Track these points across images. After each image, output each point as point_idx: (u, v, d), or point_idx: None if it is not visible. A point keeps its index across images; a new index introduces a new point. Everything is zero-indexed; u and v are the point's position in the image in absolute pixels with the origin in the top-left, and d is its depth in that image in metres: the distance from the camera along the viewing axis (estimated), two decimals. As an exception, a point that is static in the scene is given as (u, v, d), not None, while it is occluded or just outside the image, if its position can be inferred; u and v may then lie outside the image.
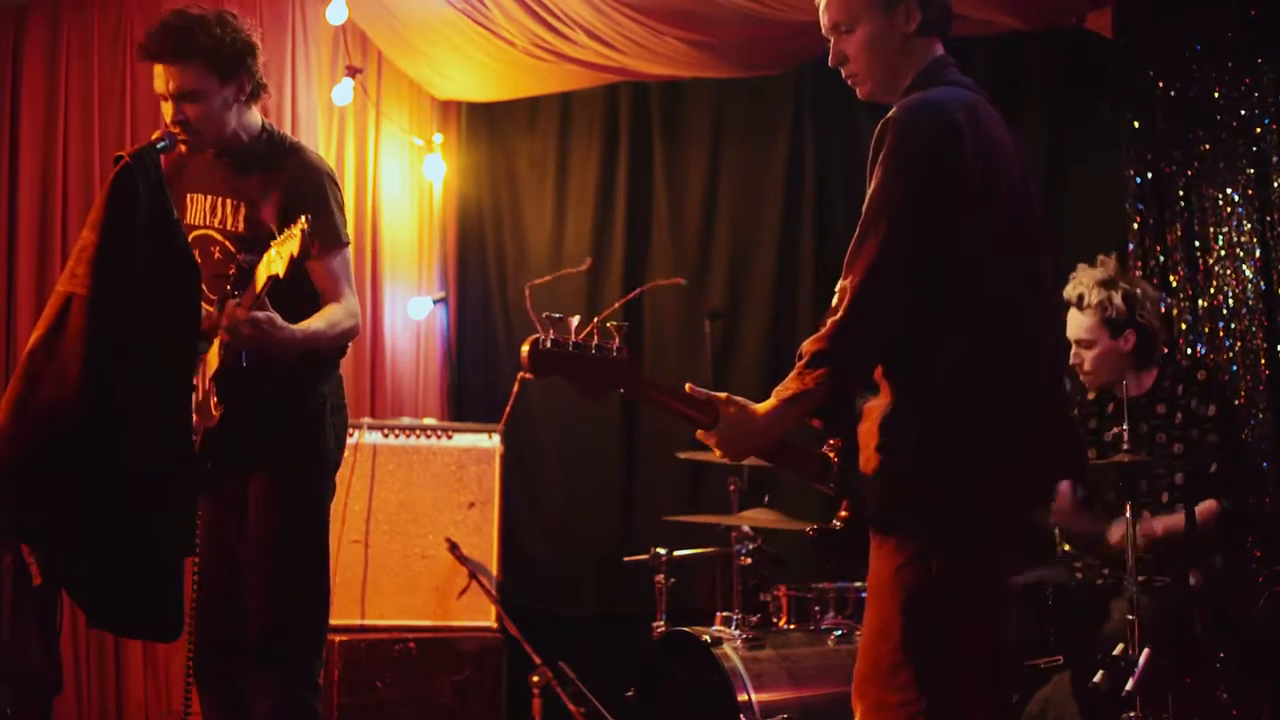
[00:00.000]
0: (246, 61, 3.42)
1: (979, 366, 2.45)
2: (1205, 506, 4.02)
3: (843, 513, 2.56)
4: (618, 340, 2.40)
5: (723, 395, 2.50)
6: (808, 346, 2.45)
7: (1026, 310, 2.53)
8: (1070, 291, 4.22)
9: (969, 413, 2.44)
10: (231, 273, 3.39)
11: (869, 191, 2.48)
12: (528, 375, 2.40)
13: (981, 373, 2.45)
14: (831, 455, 2.58)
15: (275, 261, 3.09)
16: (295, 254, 3.04)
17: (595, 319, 2.40)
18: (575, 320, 2.39)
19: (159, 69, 3.38)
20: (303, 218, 3.07)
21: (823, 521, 2.60)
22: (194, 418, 3.44)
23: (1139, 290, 4.19)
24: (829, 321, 2.45)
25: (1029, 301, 2.54)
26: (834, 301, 2.55)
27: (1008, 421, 2.46)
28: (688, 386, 2.49)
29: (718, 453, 2.51)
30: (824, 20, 2.66)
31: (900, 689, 2.40)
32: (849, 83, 2.69)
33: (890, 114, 2.52)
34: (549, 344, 2.36)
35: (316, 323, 3.37)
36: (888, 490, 2.45)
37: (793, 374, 2.45)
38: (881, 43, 2.60)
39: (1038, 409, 2.53)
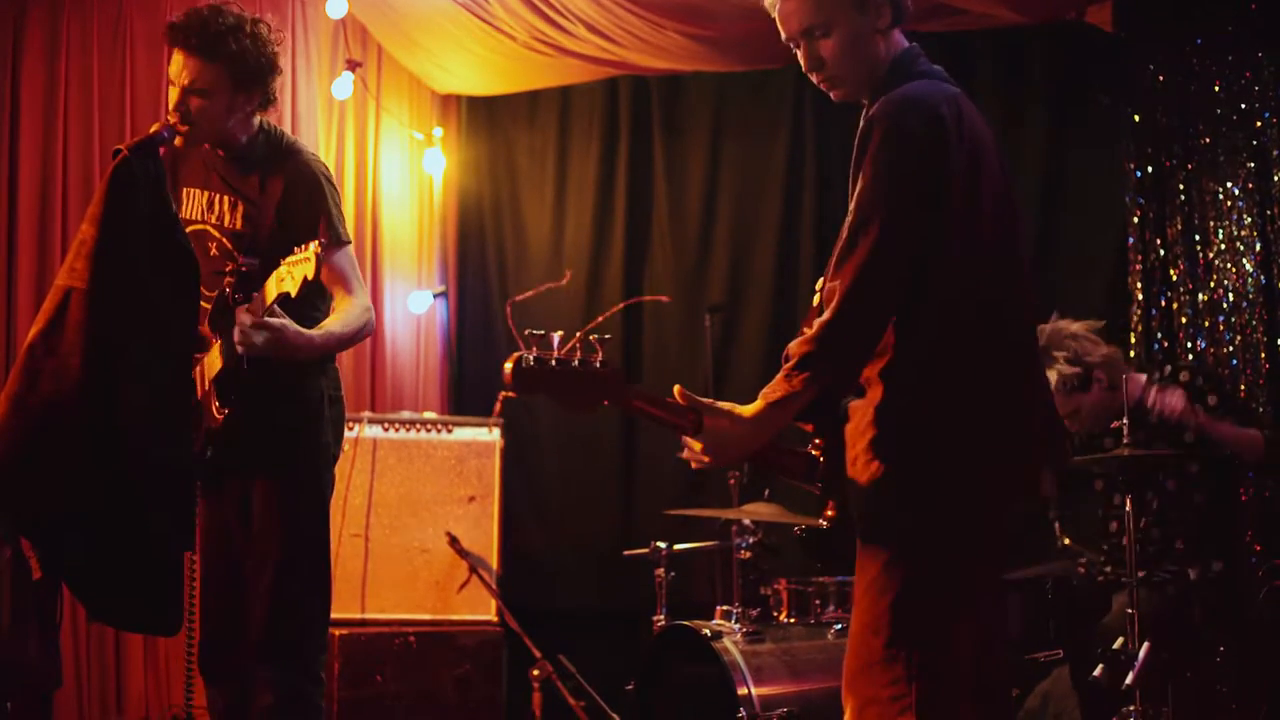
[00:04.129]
0: (265, 79, 3.43)
1: (965, 366, 2.44)
2: (1249, 434, 4.04)
3: (829, 512, 2.56)
4: (601, 354, 2.39)
5: (708, 401, 2.46)
6: (795, 349, 2.42)
7: (1011, 307, 2.52)
8: None
9: (956, 413, 2.43)
10: (229, 269, 3.39)
11: (857, 191, 2.44)
12: (510, 394, 2.38)
13: (968, 372, 2.44)
14: (817, 454, 2.57)
15: (287, 280, 3.10)
16: (309, 277, 3.05)
17: (578, 334, 2.38)
18: (558, 336, 2.38)
19: (179, 56, 3.38)
20: (316, 241, 3.08)
21: (817, 517, 2.59)
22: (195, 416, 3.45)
23: (1076, 342, 4.18)
24: (816, 323, 2.42)
25: (1013, 298, 2.52)
26: (815, 301, 2.53)
27: (994, 422, 2.45)
28: (676, 390, 2.46)
29: (706, 459, 2.47)
30: (791, 26, 2.58)
31: (892, 683, 2.41)
32: (823, 87, 2.63)
33: (874, 111, 2.48)
34: (532, 361, 2.34)
35: (332, 324, 3.39)
36: (875, 491, 2.43)
37: (780, 376, 2.42)
38: (860, 43, 2.55)
39: (1022, 407, 2.51)
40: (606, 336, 2.43)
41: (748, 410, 2.45)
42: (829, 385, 2.44)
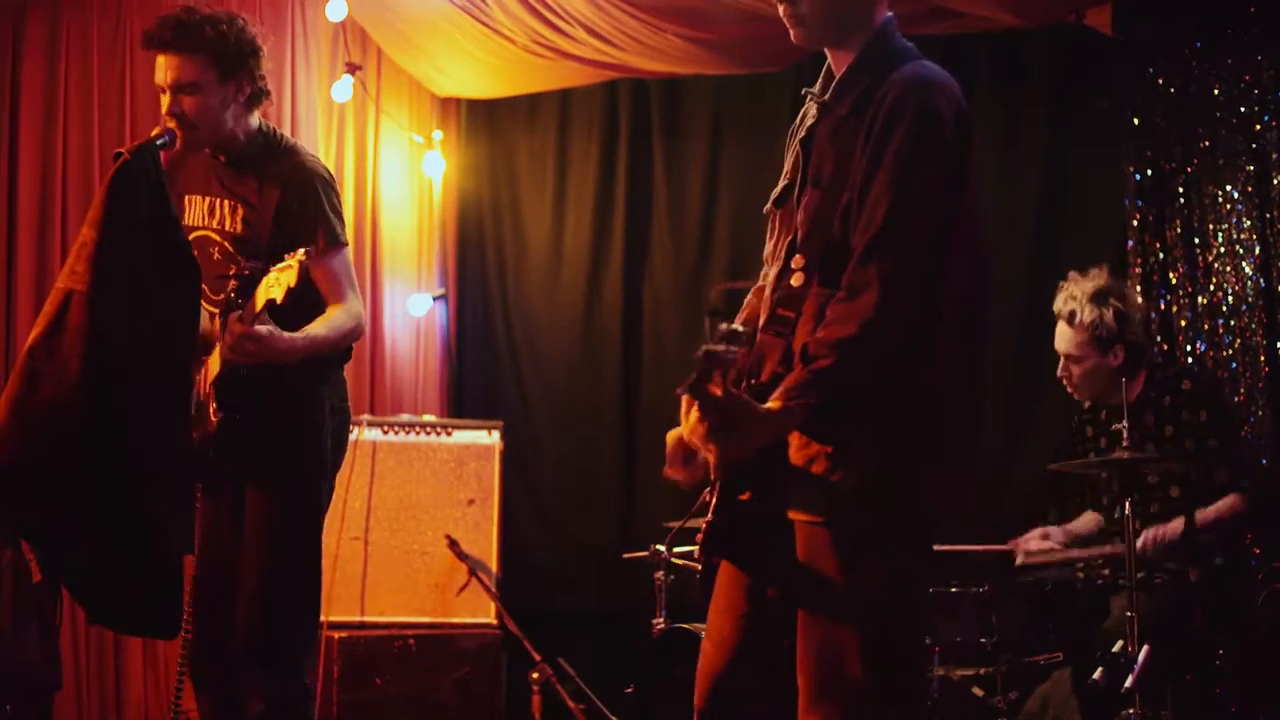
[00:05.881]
0: (249, 63, 3.41)
1: (953, 364, 2.36)
2: (1227, 503, 4.02)
3: (716, 502, 2.43)
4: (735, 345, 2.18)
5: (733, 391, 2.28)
6: (820, 352, 2.26)
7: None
8: (1061, 306, 4.18)
9: (948, 410, 2.35)
10: (231, 273, 3.39)
11: (890, 174, 2.31)
12: (682, 392, 2.19)
13: (955, 370, 2.36)
14: None
15: (274, 288, 3.10)
16: (293, 284, 3.05)
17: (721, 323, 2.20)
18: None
19: (161, 59, 3.38)
20: (302, 250, 3.08)
21: None
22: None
23: (1129, 306, 4.18)
24: (843, 323, 2.26)
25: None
26: (794, 281, 2.39)
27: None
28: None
29: (711, 459, 2.34)
30: None
31: (879, 702, 2.28)
32: (787, 21, 2.52)
33: (901, 91, 2.36)
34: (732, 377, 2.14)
35: (317, 328, 3.38)
36: (847, 490, 2.28)
37: (805, 377, 2.26)
38: None
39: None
40: (748, 329, 2.25)
41: (769, 410, 2.27)
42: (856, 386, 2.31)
